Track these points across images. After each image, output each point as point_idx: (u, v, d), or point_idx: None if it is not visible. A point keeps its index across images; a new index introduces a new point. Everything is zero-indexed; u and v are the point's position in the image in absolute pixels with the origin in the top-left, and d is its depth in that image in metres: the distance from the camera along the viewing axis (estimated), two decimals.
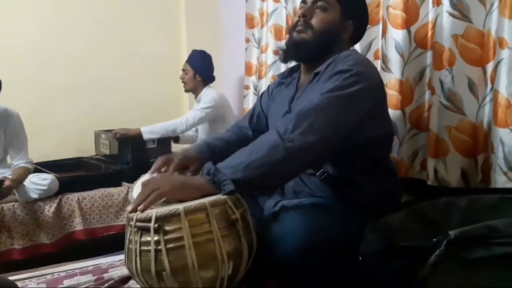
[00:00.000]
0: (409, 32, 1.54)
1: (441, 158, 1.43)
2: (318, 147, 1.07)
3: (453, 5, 1.38)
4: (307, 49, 1.28)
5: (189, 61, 2.82)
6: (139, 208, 1.00)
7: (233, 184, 1.01)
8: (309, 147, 1.05)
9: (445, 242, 0.88)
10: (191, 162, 1.33)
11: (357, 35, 1.39)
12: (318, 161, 1.19)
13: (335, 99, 1.09)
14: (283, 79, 1.46)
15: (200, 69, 2.79)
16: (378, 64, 1.67)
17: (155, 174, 1.28)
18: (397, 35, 1.56)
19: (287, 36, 1.40)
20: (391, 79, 1.58)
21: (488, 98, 1.36)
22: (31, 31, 3.05)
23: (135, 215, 0.99)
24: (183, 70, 2.84)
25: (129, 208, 1.03)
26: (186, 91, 2.90)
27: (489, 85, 1.35)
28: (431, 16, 1.51)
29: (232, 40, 3.17)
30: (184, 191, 1.05)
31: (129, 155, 2.74)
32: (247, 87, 2.58)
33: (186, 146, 2.75)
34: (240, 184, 1.01)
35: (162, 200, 1.13)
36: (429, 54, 1.52)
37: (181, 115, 2.80)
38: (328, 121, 1.07)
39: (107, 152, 2.91)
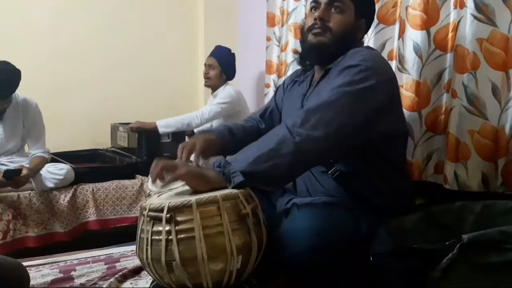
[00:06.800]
0: (428, 33, 1.52)
1: (462, 162, 1.41)
2: (326, 142, 1.07)
3: (478, 8, 1.35)
4: (328, 52, 1.26)
5: (218, 57, 2.77)
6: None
7: (242, 176, 1.01)
8: (317, 142, 1.06)
9: (458, 245, 0.87)
10: (212, 145, 1.35)
11: (365, 32, 1.38)
12: (326, 156, 1.17)
13: (344, 94, 1.09)
14: (297, 78, 1.46)
15: (228, 67, 2.77)
16: (393, 64, 1.65)
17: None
18: (415, 35, 1.54)
19: (301, 37, 1.38)
20: (408, 80, 1.56)
21: (511, 103, 1.34)
22: (45, 22, 3.05)
23: (148, 205, 1.01)
24: (210, 65, 2.77)
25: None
26: (207, 86, 2.85)
27: None
28: (452, 18, 1.49)
29: (250, 36, 3.18)
30: (196, 180, 1.06)
31: (144, 148, 2.76)
32: (267, 86, 2.57)
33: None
34: (249, 177, 1.02)
35: (175, 192, 1.14)
36: (448, 56, 1.50)
37: (195, 109, 2.79)
38: (336, 116, 1.07)
39: (125, 144, 2.93)
